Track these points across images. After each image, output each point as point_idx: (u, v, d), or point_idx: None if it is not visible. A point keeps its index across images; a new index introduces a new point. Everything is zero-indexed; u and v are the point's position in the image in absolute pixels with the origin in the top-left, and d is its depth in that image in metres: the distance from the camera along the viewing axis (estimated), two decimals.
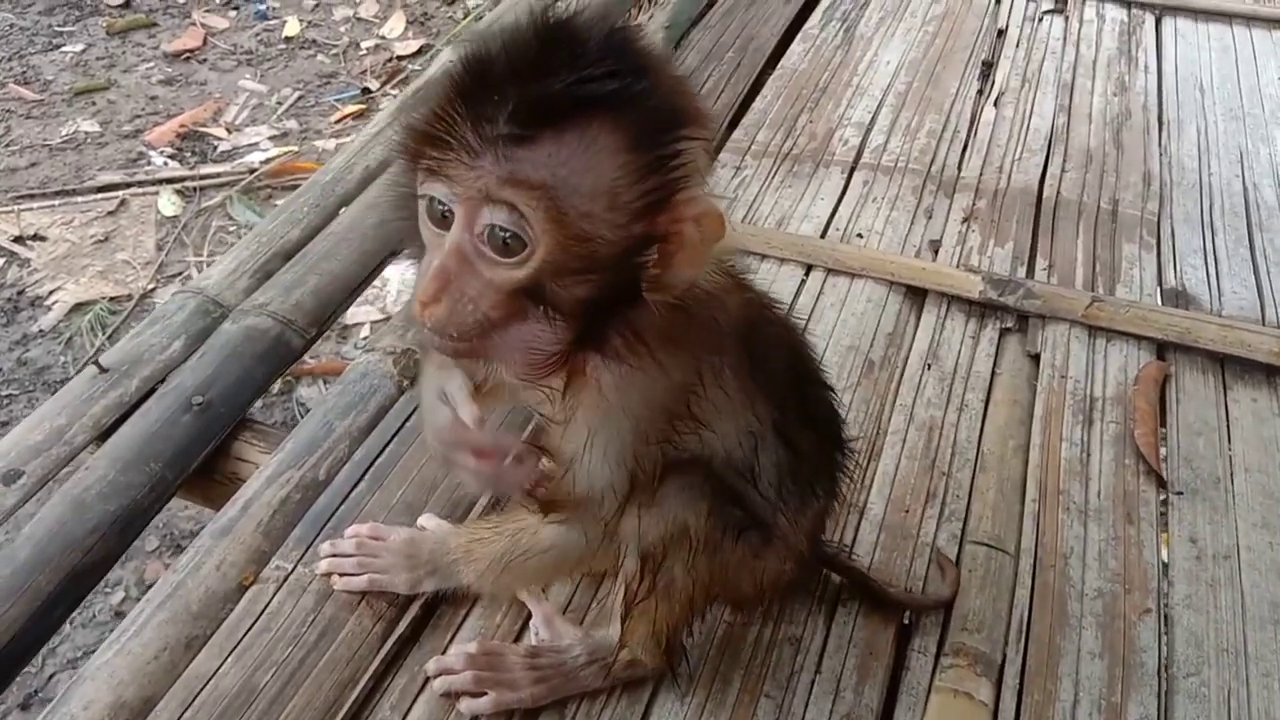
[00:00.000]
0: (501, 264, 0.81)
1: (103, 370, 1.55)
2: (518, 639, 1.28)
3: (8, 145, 3.75)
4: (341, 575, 1.30)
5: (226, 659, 1.23)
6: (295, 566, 1.33)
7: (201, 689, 1.20)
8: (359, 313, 3.15)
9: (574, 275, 0.83)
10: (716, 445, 1.05)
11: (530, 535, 1.15)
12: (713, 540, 1.08)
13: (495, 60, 0.79)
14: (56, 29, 4.44)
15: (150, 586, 2.30)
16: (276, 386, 2.86)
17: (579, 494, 1.02)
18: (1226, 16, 2.81)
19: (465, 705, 1.19)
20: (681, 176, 0.83)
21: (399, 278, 3.26)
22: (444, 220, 0.82)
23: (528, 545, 1.16)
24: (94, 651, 2.14)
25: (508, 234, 0.80)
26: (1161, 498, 1.53)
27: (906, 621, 1.34)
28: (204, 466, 1.51)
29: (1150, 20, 2.80)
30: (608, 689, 1.23)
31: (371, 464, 1.47)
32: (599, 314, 0.86)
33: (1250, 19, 2.79)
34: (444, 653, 1.25)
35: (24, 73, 4.15)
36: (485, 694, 1.19)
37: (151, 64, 4.25)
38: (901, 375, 1.69)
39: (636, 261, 0.84)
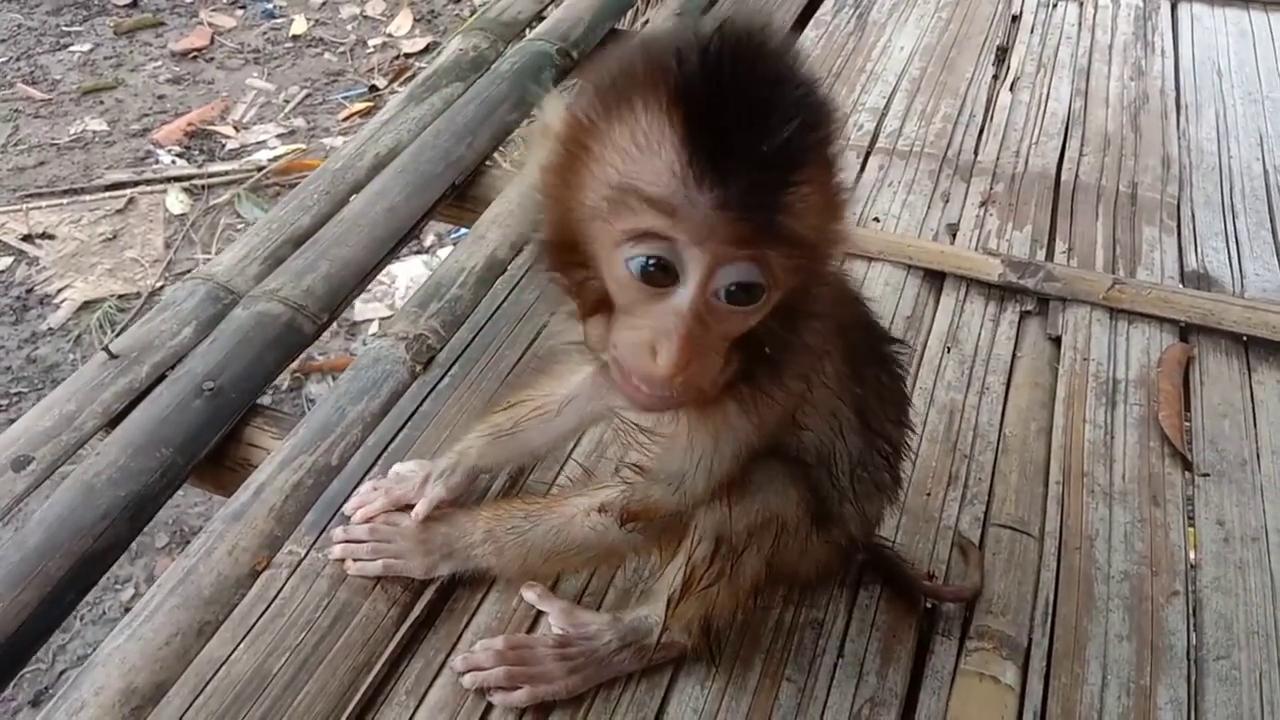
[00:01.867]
0: (737, 314, 0.78)
1: (113, 356, 1.53)
2: (535, 624, 1.25)
3: (16, 144, 3.75)
4: (356, 560, 1.28)
5: (239, 645, 1.21)
6: (308, 552, 1.31)
7: (214, 675, 1.18)
8: (367, 309, 3.15)
9: (793, 308, 0.82)
10: (809, 437, 1.05)
11: (575, 528, 1.13)
12: (802, 530, 1.08)
13: (713, 104, 0.71)
14: (64, 29, 4.44)
15: None
16: (285, 382, 2.86)
17: (663, 504, 1.02)
18: (1244, 1, 2.78)
19: (500, 699, 1.16)
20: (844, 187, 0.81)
21: (408, 275, 3.25)
22: (660, 279, 0.75)
23: (571, 538, 1.14)
24: None
25: (750, 285, 0.75)
26: (1187, 480, 1.50)
27: (930, 605, 1.32)
28: (215, 452, 1.49)
29: (1166, 5, 2.78)
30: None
31: (384, 449, 1.45)
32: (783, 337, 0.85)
33: (1267, 3, 2.77)
34: (459, 639, 1.23)
35: (32, 72, 4.15)
36: (519, 688, 1.16)
37: (159, 63, 4.26)
38: (921, 358, 1.66)
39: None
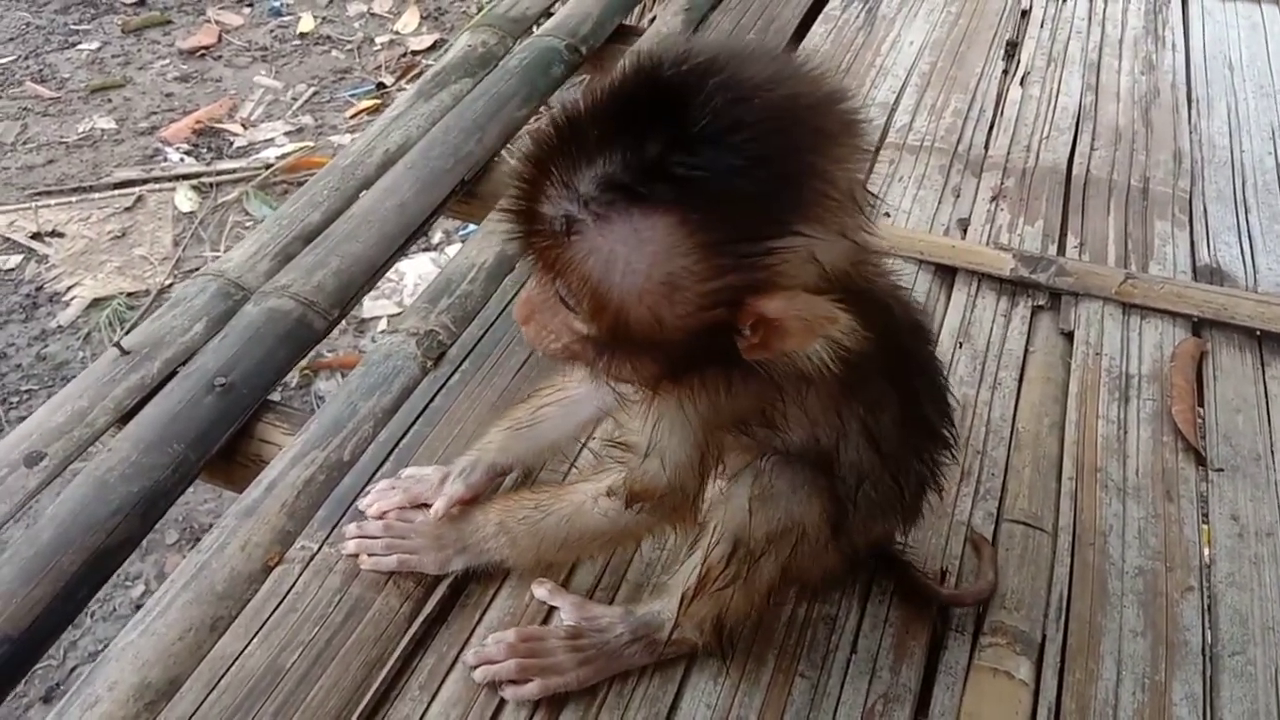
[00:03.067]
0: (572, 314, 0.84)
1: (124, 353, 1.53)
2: (547, 619, 1.25)
3: (25, 143, 3.76)
4: (370, 555, 1.28)
5: (252, 639, 1.21)
6: (321, 547, 1.31)
7: (227, 670, 1.18)
8: (375, 306, 3.15)
9: (634, 347, 0.83)
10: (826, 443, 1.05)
11: (586, 514, 1.14)
12: (821, 539, 1.08)
13: (588, 114, 0.76)
14: (72, 27, 4.45)
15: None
16: (295, 379, 2.86)
17: (657, 484, 1.02)
18: None
19: (510, 693, 1.17)
20: (767, 279, 0.77)
21: (416, 272, 3.25)
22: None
23: (583, 525, 1.14)
24: None
25: (567, 298, 0.82)
26: (1201, 475, 1.50)
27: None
28: (227, 448, 1.49)
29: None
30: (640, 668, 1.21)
31: (396, 445, 1.45)
32: (679, 363, 0.86)
33: None
34: (472, 634, 1.23)
35: (40, 71, 4.16)
36: (530, 680, 1.17)
37: (167, 61, 4.26)
38: None
39: (721, 339, 0.81)
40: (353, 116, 3.95)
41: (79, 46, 4.32)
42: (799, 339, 0.79)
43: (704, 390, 0.90)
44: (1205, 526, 1.44)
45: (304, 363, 2.72)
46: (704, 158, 0.71)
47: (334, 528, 1.33)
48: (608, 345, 0.84)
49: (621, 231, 0.74)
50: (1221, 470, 1.50)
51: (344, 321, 2.94)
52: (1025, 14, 2.69)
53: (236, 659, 1.19)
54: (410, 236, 1.83)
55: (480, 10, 4.44)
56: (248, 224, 3.41)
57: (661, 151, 0.72)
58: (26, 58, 4.24)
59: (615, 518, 1.11)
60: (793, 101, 0.76)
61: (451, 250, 3.32)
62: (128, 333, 1.57)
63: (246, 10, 4.63)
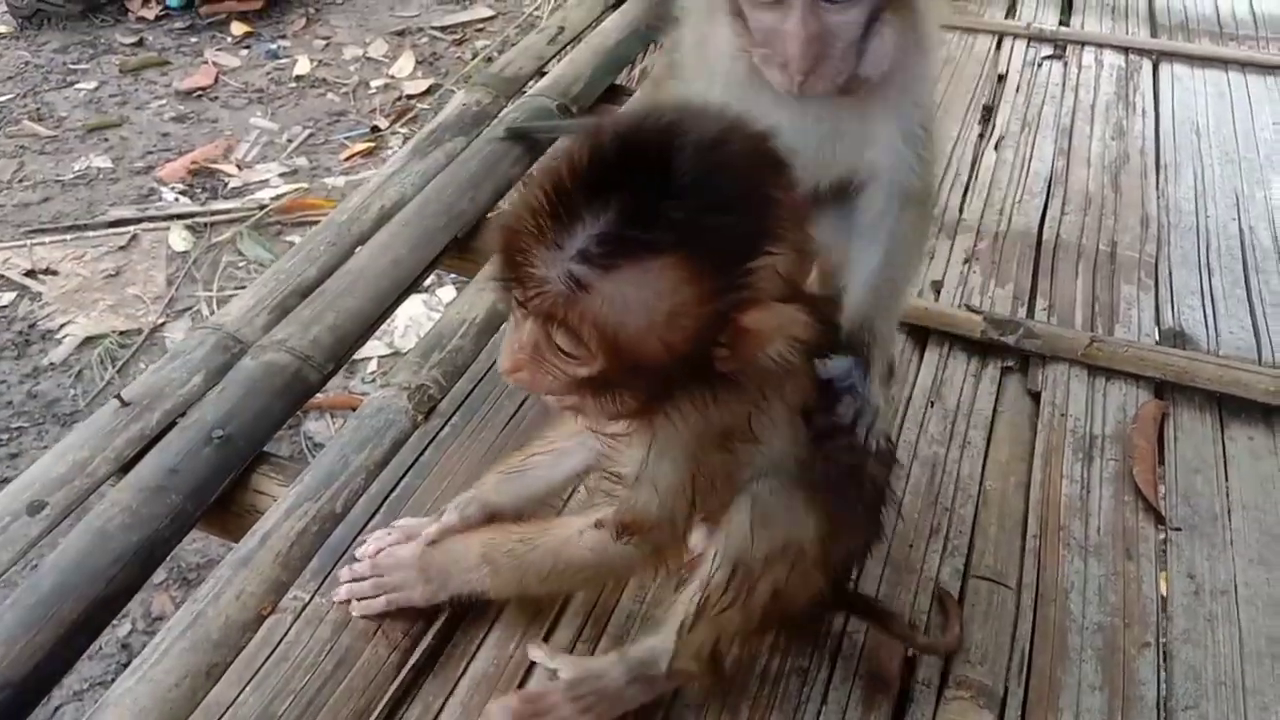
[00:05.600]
0: (567, 362, 0.91)
1: (125, 404, 1.59)
2: (529, 671, 1.30)
3: (21, 180, 3.81)
4: (359, 600, 1.32)
5: (245, 687, 1.26)
6: (312, 597, 1.36)
7: (221, 716, 1.23)
8: (367, 348, 3.18)
9: (634, 377, 0.91)
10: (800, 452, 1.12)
11: (572, 547, 1.18)
12: (816, 557, 1.14)
13: (572, 179, 0.84)
14: (71, 66, 4.52)
15: (157, 619, 2.34)
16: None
17: (648, 514, 1.07)
18: (1223, 62, 2.86)
19: None
20: (750, 296, 0.87)
21: (407, 314, 3.30)
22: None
23: (569, 557, 1.19)
24: (101, 683, 2.18)
25: (568, 347, 0.89)
26: (1160, 534, 1.56)
27: (911, 654, 1.37)
28: (223, 498, 1.54)
29: (1148, 66, 2.85)
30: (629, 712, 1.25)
31: (386, 497, 1.50)
32: (668, 386, 0.94)
33: (1245, 65, 2.84)
34: (457, 684, 1.27)
35: (38, 109, 4.22)
36: None
37: (164, 101, 4.33)
38: (905, 412, 1.72)
39: (704, 355, 0.90)
40: (347, 159, 4.01)
41: (77, 86, 4.39)
42: (769, 343, 0.90)
43: (690, 408, 0.97)
44: (1163, 584, 1.49)
45: None
46: (692, 202, 0.82)
47: (326, 578, 1.38)
48: (604, 382, 0.91)
49: (632, 277, 0.84)
50: (1179, 529, 1.56)
51: None
52: (1001, 79, 2.77)
53: (230, 706, 1.24)
54: (404, 292, 1.89)
55: (474, 56, 4.52)
56: (241, 264, 3.45)
57: (656, 202, 0.82)
58: (24, 96, 4.31)
59: (601, 551, 1.15)
60: (747, 145, 0.89)
61: (444, 293, 3.37)
62: (118, 372, 1.62)
63: (243, 52, 4.70)
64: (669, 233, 0.83)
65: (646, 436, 1.03)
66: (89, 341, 3.15)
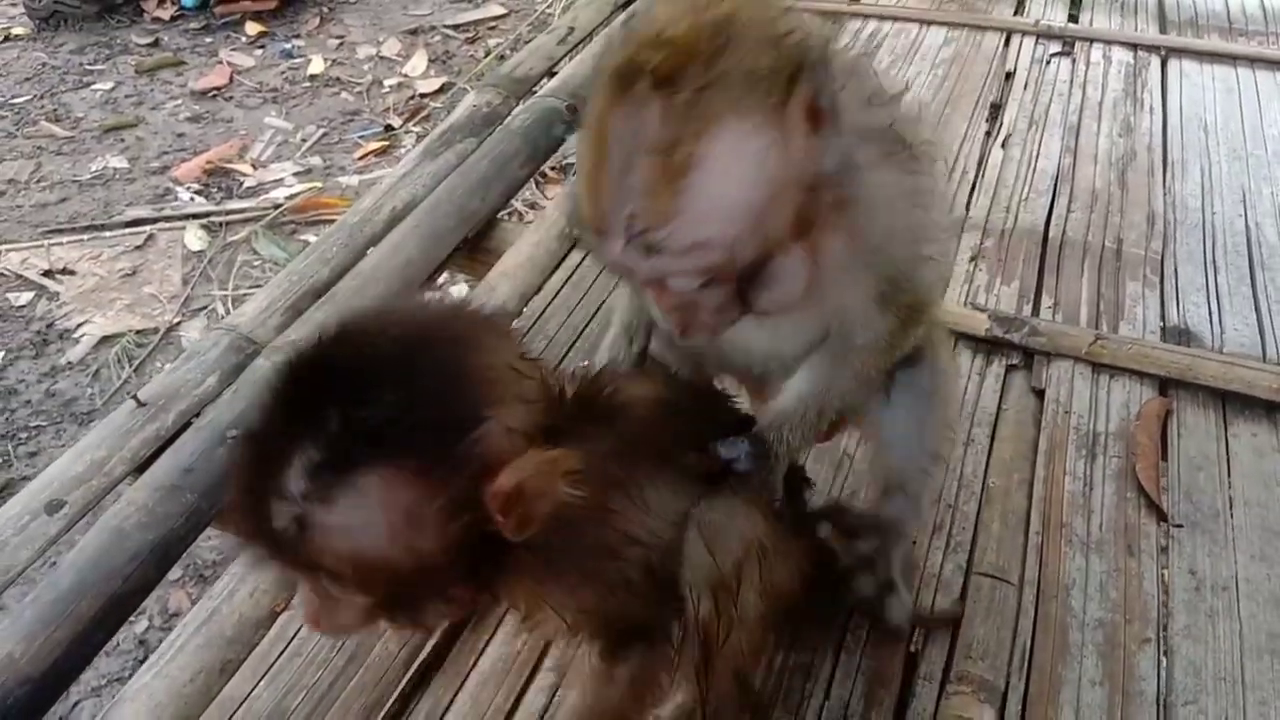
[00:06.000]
0: (351, 595, 0.89)
1: (141, 404, 1.62)
2: (536, 667, 1.32)
3: (39, 181, 3.84)
4: None
5: (259, 682, 1.29)
6: None
7: (235, 711, 1.26)
8: None
9: (429, 585, 0.89)
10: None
11: (601, 683, 1.13)
12: (779, 543, 1.12)
13: (256, 441, 0.84)
14: (87, 67, 4.56)
15: (174, 615, 2.37)
16: None
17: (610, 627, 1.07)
18: (1231, 58, 2.86)
19: None
20: (484, 465, 0.84)
21: None
22: None
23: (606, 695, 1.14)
24: (118, 679, 2.21)
25: (338, 587, 0.87)
26: (1162, 530, 1.57)
27: (913, 649, 1.39)
28: None
29: (1156, 62, 2.86)
30: None
31: None
32: (473, 574, 0.91)
33: (1254, 60, 2.85)
34: (466, 678, 1.30)
35: (55, 110, 4.26)
36: None
37: (179, 101, 4.36)
38: None
39: (484, 538, 0.87)
40: (361, 158, 4.03)
41: (93, 86, 4.43)
42: (546, 488, 0.87)
43: (531, 586, 0.96)
44: (1164, 579, 1.51)
45: None
46: (376, 407, 0.80)
47: None
48: (396, 602, 0.89)
49: (348, 501, 0.81)
50: (1181, 526, 1.57)
51: None
52: (1010, 76, 2.79)
53: (244, 701, 1.27)
54: (415, 292, 1.91)
55: (487, 55, 4.55)
56: (256, 263, 3.48)
57: (341, 420, 0.80)
58: (42, 97, 4.35)
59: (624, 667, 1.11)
60: (422, 328, 0.89)
61: (456, 291, 3.39)
62: (135, 370, 1.64)
63: (258, 52, 4.73)
64: (366, 446, 0.80)
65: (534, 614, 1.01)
66: (106, 341, 3.17)
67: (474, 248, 2.10)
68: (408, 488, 0.82)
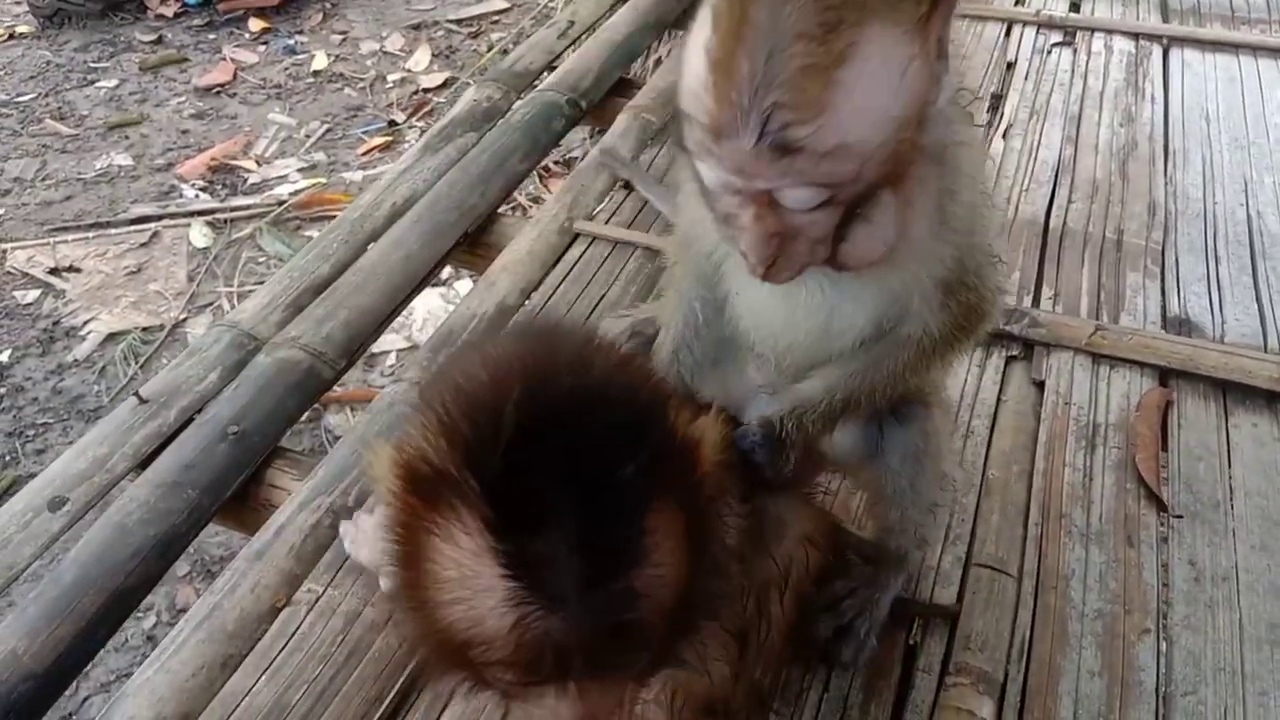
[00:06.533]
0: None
1: (143, 401, 1.63)
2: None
3: (44, 179, 3.86)
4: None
5: (260, 677, 1.30)
6: (326, 589, 1.40)
7: (237, 706, 1.27)
8: (385, 341, 3.22)
9: None
10: None
11: None
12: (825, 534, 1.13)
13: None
14: (91, 65, 4.57)
15: (181, 611, 2.39)
16: (305, 414, 2.94)
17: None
18: (1234, 47, 2.84)
19: None
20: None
21: (425, 307, 3.34)
22: None
23: None
24: (127, 675, 2.22)
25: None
26: (1162, 521, 1.57)
27: (912, 642, 1.39)
28: (239, 493, 1.58)
29: (1158, 51, 2.84)
30: None
31: None
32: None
33: (1258, 49, 2.83)
34: None
35: (60, 108, 4.28)
36: None
37: (183, 98, 4.37)
38: None
39: None
40: (365, 153, 4.04)
41: (97, 84, 4.44)
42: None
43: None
44: (1164, 571, 1.51)
45: None
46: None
47: (339, 571, 1.42)
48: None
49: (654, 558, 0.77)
50: (1181, 517, 1.57)
51: None
52: (1011, 66, 2.77)
53: (245, 696, 1.28)
54: (416, 288, 1.92)
55: (490, 49, 4.55)
56: (261, 260, 3.50)
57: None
58: (46, 95, 4.36)
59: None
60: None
61: (460, 286, 3.40)
62: (141, 367, 1.65)
63: (261, 48, 4.74)
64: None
65: None
66: (112, 338, 3.19)
67: (474, 242, 2.10)
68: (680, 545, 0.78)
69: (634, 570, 0.74)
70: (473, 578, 0.73)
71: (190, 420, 1.63)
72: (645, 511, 0.75)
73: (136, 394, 1.63)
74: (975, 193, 1.03)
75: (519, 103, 2.47)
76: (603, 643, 0.74)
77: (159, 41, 4.77)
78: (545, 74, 2.65)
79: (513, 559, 0.72)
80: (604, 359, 0.85)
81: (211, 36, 4.82)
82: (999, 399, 1.76)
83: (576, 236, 2.08)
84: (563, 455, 0.73)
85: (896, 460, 1.27)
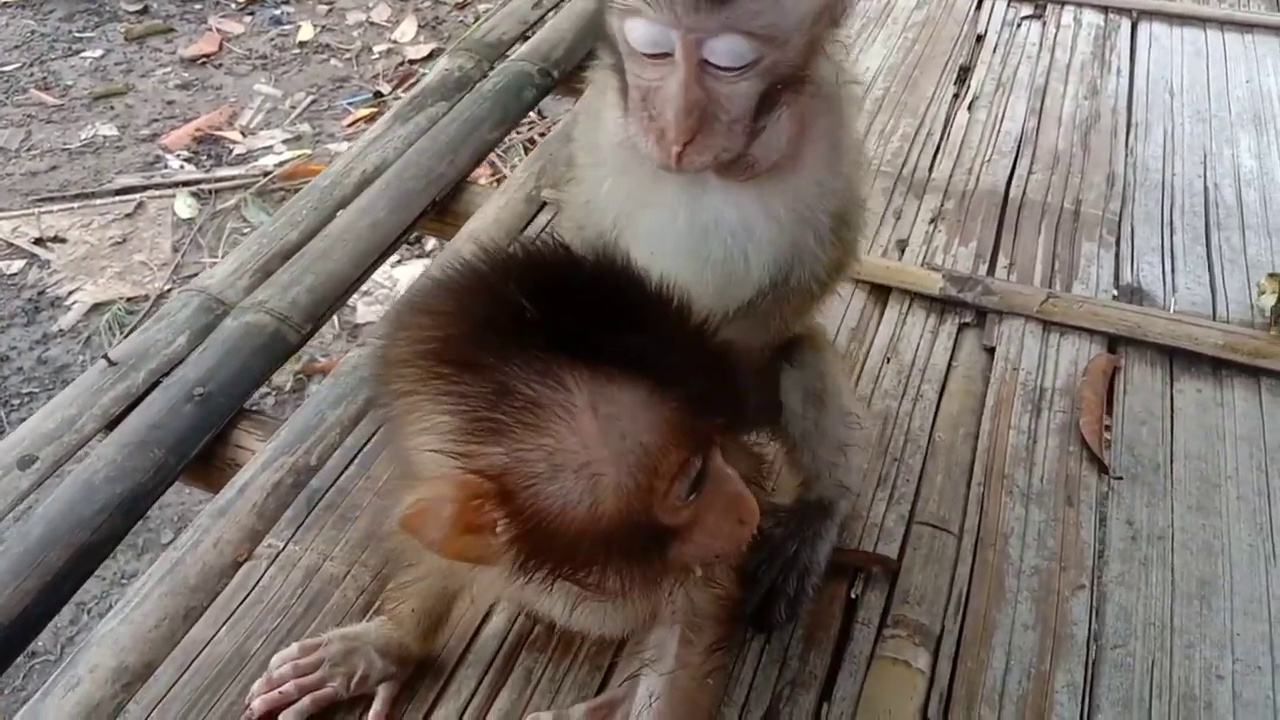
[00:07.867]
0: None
1: (111, 364, 1.67)
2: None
3: (29, 149, 3.88)
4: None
5: (221, 628, 1.34)
6: (286, 545, 1.44)
7: (198, 654, 1.31)
8: (369, 312, 3.26)
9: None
10: None
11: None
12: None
13: None
14: (76, 35, 4.58)
15: None
16: (289, 384, 2.98)
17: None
18: (1201, 21, 2.87)
19: None
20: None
21: (408, 276, 3.37)
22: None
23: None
24: None
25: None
26: (1103, 482, 1.61)
27: (853, 596, 1.44)
28: (205, 453, 1.62)
29: (1126, 25, 2.87)
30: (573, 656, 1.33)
31: (360, 450, 1.58)
32: None
33: (1224, 23, 2.85)
34: None
35: (44, 78, 4.29)
36: None
37: (168, 69, 4.38)
38: (862, 369, 1.78)
39: None
40: (350, 125, 4.06)
41: (83, 54, 4.45)
42: None
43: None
44: (1100, 529, 1.56)
45: (297, 367, 2.87)
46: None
47: (299, 527, 1.46)
48: None
49: None
50: (1121, 478, 1.62)
51: (338, 326, 3.09)
52: (980, 39, 2.80)
53: (206, 645, 1.32)
54: (383, 254, 1.96)
55: (476, 20, 4.56)
56: (246, 230, 3.51)
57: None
58: (31, 65, 4.37)
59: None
60: None
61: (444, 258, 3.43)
62: (125, 338, 1.69)
63: (247, 19, 4.75)
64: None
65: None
66: (97, 308, 3.22)
67: (443, 210, 2.14)
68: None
69: (713, 333, 0.83)
70: (615, 413, 0.75)
71: (158, 383, 1.67)
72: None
73: (105, 356, 1.68)
74: (855, 138, 1.17)
75: (491, 73, 2.50)
76: (725, 392, 0.81)
77: (144, 11, 4.77)
78: (519, 44, 2.67)
79: (624, 371, 0.76)
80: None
81: (197, 6, 4.82)
82: (950, 364, 1.80)
83: (544, 205, 2.12)
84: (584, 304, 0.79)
85: (798, 403, 1.34)
